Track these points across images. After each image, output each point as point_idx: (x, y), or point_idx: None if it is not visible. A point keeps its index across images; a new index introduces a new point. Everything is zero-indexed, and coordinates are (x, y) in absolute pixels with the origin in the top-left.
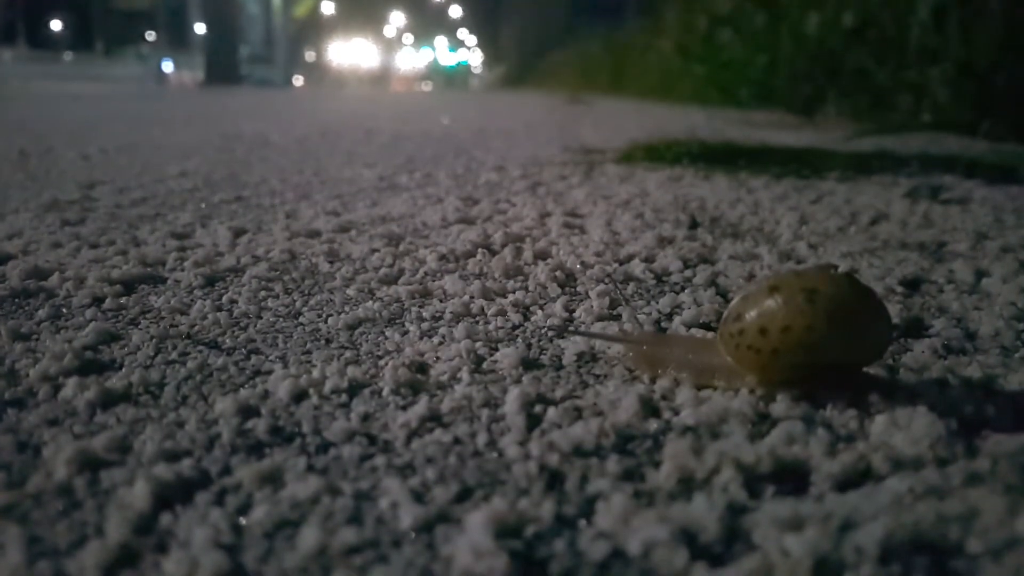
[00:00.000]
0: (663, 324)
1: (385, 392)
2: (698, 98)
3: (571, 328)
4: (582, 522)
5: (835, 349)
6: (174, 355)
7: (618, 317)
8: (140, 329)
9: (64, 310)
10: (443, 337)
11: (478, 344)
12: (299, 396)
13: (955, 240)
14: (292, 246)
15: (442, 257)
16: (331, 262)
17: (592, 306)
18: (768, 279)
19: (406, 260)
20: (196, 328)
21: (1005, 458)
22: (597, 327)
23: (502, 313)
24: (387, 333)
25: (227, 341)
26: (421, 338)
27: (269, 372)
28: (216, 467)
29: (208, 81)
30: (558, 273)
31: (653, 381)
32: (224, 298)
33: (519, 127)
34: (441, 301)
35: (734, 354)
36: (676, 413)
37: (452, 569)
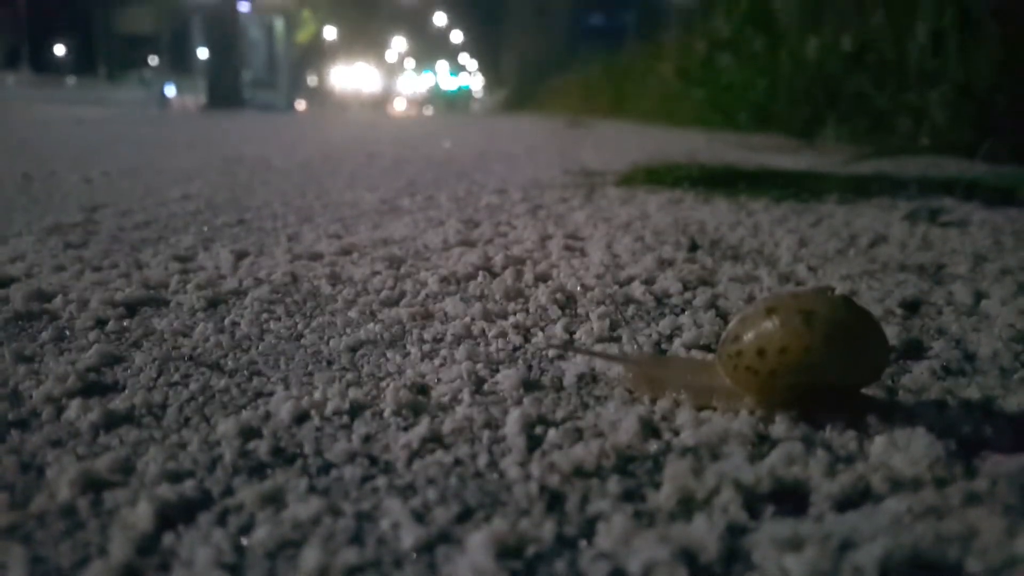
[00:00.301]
0: (663, 346)
1: (386, 413)
2: (698, 121)
3: (572, 346)
4: (583, 542)
5: (832, 370)
6: (176, 377)
7: (618, 339)
8: (143, 351)
9: (67, 332)
10: (444, 359)
11: (479, 366)
12: (301, 418)
13: (954, 262)
14: (294, 269)
15: (443, 279)
16: (333, 284)
17: (592, 328)
18: (766, 301)
19: (407, 282)
20: (198, 350)
21: (1004, 479)
22: (597, 348)
23: (503, 335)
24: (388, 355)
25: (229, 363)
26: (422, 360)
27: (271, 394)
28: (218, 488)
29: (210, 105)
30: (559, 295)
31: (654, 402)
32: (226, 320)
33: (520, 150)
34: (442, 323)
35: (732, 375)
36: (676, 434)
37: None
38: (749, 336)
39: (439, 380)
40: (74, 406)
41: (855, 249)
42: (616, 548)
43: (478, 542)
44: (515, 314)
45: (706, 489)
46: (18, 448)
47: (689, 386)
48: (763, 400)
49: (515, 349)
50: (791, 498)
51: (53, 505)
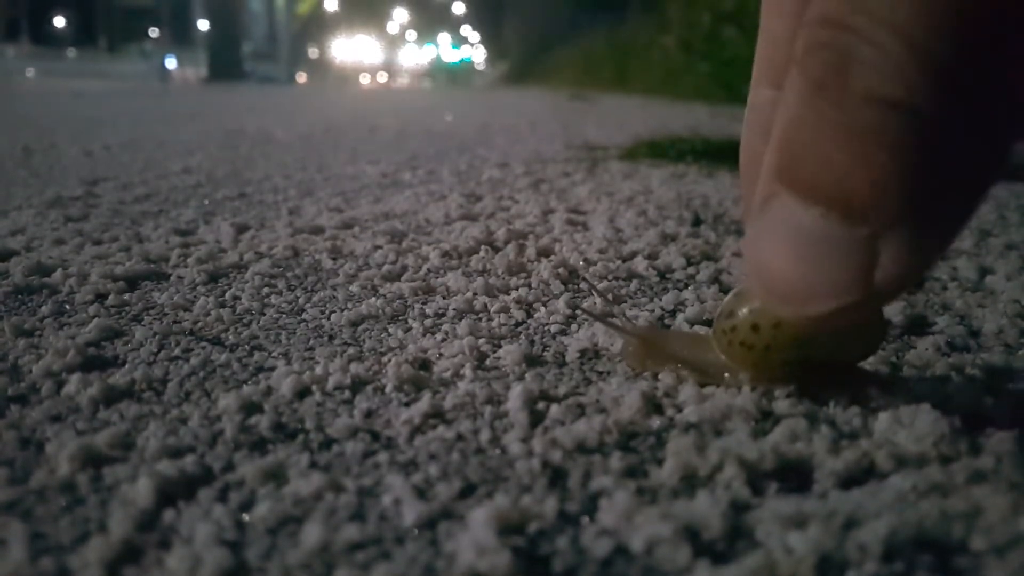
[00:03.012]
0: (666, 321)
1: (388, 389)
2: (701, 95)
3: (581, 310)
4: (585, 519)
5: (828, 345)
6: (177, 351)
7: (622, 314)
8: (143, 325)
9: (67, 306)
10: (446, 334)
11: (481, 341)
12: (302, 393)
13: (959, 237)
14: (295, 243)
15: (445, 254)
16: (334, 259)
17: (595, 303)
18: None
19: (409, 257)
20: (199, 324)
21: (1008, 456)
22: (601, 324)
23: (505, 310)
24: (390, 330)
25: (230, 338)
26: (424, 335)
27: (272, 369)
28: (219, 463)
29: (211, 78)
30: (561, 270)
31: (656, 377)
32: (227, 294)
33: (522, 124)
34: (444, 298)
35: (727, 351)
36: (679, 410)
37: (455, 566)
38: (744, 311)
39: (441, 355)
40: (74, 381)
41: None
42: (618, 524)
43: (480, 518)
44: (517, 289)
45: (709, 466)
46: (17, 423)
47: (684, 361)
48: (758, 376)
49: (517, 324)
50: (795, 475)
51: (53, 481)
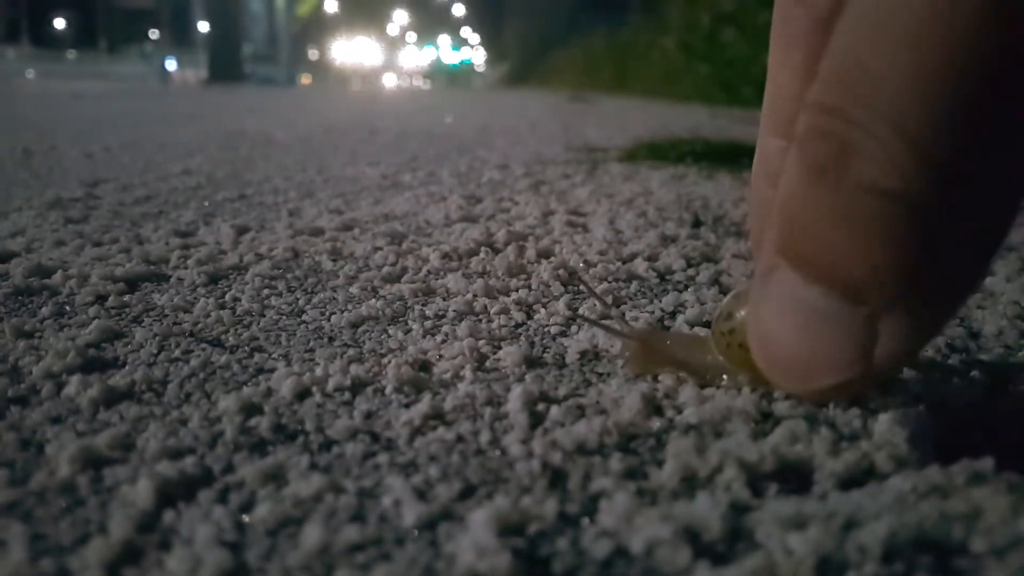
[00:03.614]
0: (666, 323)
1: (388, 390)
2: (701, 96)
3: (579, 316)
4: (585, 520)
5: None
6: (177, 353)
7: (620, 316)
8: (143, 327)
9: (67, 308)
10: (446, 335)
11: (481, 342)
12: (302, 394)
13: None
14: (295, 244)
15: (445, 255)
16: (334, 260)
17: (595, 304)
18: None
19: (409, 258)
20: (199, 326)
21: (1008, 457)
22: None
23: (505, 311)
24: (390, 331)
25: (230, 339)
26: (424, 336)
27: (272, 370)
28: (219, 465)
29: (211, 79)
30: (561, 272)
31: (655, 379)
32: (227, 296)
33: (522, 125)
34: (444, 299)
35: (725, 353)
36: (679, 412)
37: (455, 567)
38: (742, 313)
39: (441, 357)
40: (74, 382)
41: None
42: (618, 526)
43: (480, 519)
44: (517, 290)
45: (709, 467)
46: (17, 424)
47: (684, 363)
48: (757, 378)
49: (517, 326)
50: (795, 476)
51: (53, 482)
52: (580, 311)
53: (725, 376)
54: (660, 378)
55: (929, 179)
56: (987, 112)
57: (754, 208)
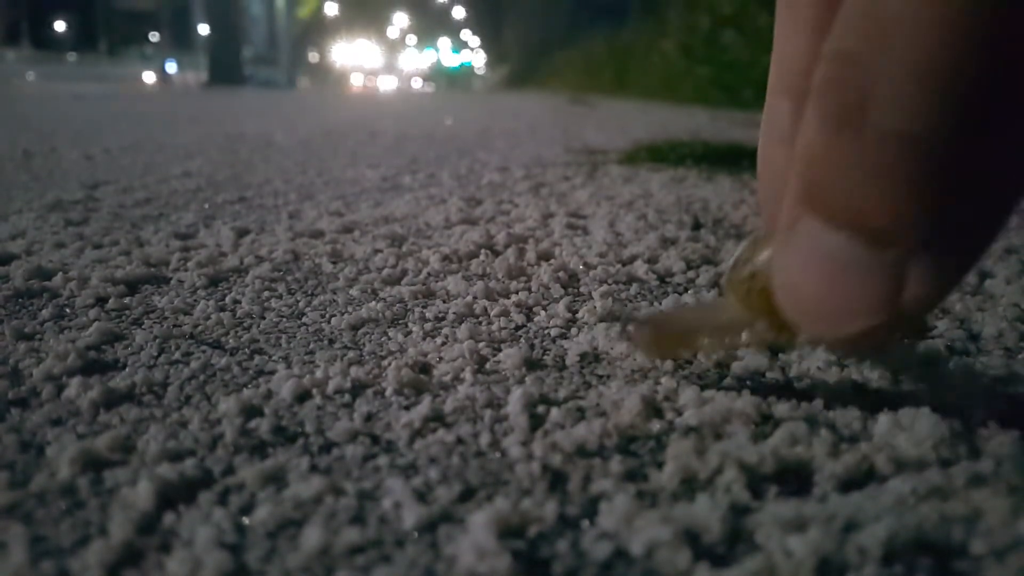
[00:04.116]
0: None
1: (388, 392)
2: (701, 99)
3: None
4: (585, 522)
5: None
6: (177, 355)
7: (621, 318)
8: (143, 329)
9: (67, 310)
10: (446, 338)
11: (481, 345)
12: (302, 396)
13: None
14: (295, 246)
15: (445, 258)
16: (334, 262)
17: (595, 307)
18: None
19: (409, 261)
20: (199, 328)
21: (1008, 459)
22: (600, 328)
23: (505, 314)
24: (390, 333)
25: (230, 341)
26: (424, 339)
27: (272, 372)
28: (219, 467)
29: (211, 82)
30: (561, 274)
31: (656, 381)
32: (227, 298)
33: (522, 128)
34: (444, 302)
35: (745, 299)
36: (679, 414)
37: (455, 569)
38: (762, 257)
39: (441, 359)
40: (74, 384)
41: None
42: (618, 528)
43: (480, 521)
44: (517, 293)
45: (709, 469)
46: (18, 426)
47: (700, 330)
48: (778, 325)
49: (517, 328)
50: (794, 478)
51: (53, 484)
52: (580, 313)
53: (744, 333)
54: (660, 380)
55: (950, 120)
56: (1008, 49)
57: (763, 171)
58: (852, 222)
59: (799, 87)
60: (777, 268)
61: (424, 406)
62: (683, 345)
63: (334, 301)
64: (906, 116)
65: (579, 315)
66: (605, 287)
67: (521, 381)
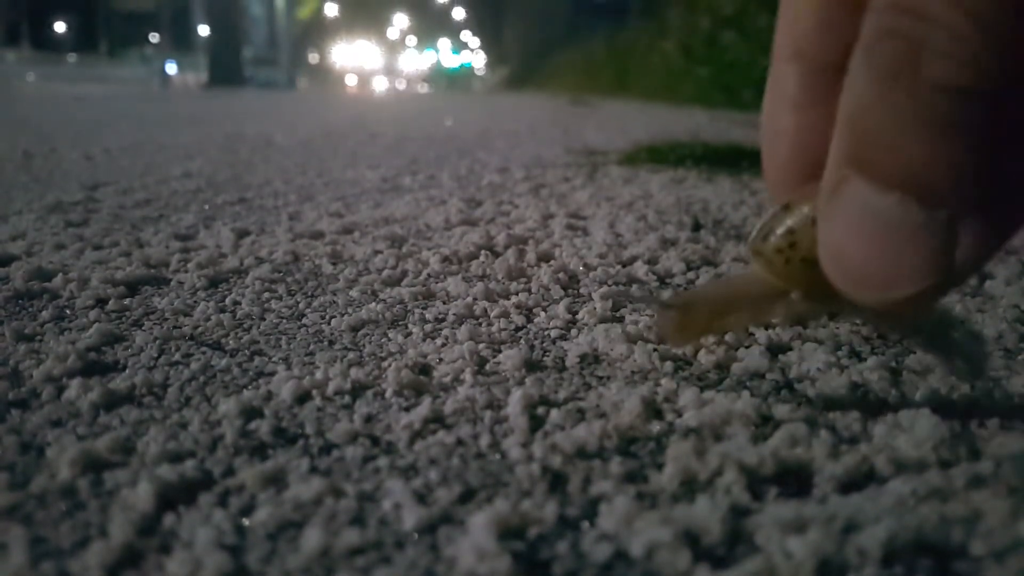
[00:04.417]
0: None
1: (388, 394)
2: (701, 99)
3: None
4: (585, 524)
5: None
6: (177, 356)
7: (621, 319)
8: (143, 330)
9: (68, 311)
10: (446, 339)
11: (481, 346)
12: (302, 398)
13: None
14: (295, 248)
15: (445, 259)
16: (334, 264)
17: (595, 308)
18: (795, 194)
19: (409, 262)
20: (199, 329)
21: (1008, 460)
22: (600, 329)
23: (505, 315)
24: (390, 335)
25: (230, 343)
26: (424, 340)
27: (272, 374)
28: (219, 468)
29: (212, 83)
30: (561, 275)
31: (657, 382)
32: (227, 300)
33: (522, 129)
34: (444, 303)
35: (783, 271)
36: (679, 415)
37: (455, 570)
38: (800, 224)
39: (441, 360)
40: (74, 385)
41: None
42: (618, 529)
43: (480, 523)
44: (517, 294)
45: (709, 470)
46: (18, 428)
47: (728, 307)
48: (815, 294)
49: (517, 329)
50: (794, 479)
51: (53, 485)
52: (580, 315)
53: (779, 306)
54: (660, 381)
55: (1007, 72)
56: None
57: (768, 140)
58: (904, 182)
59: (807, 51)
60: (823, 233)
61: (424, 407)
62: (712, 327)
63: (334, 302)
64: (961, 67)
65: (579, 316)
66: (605, 288)
67: (521, 382)
